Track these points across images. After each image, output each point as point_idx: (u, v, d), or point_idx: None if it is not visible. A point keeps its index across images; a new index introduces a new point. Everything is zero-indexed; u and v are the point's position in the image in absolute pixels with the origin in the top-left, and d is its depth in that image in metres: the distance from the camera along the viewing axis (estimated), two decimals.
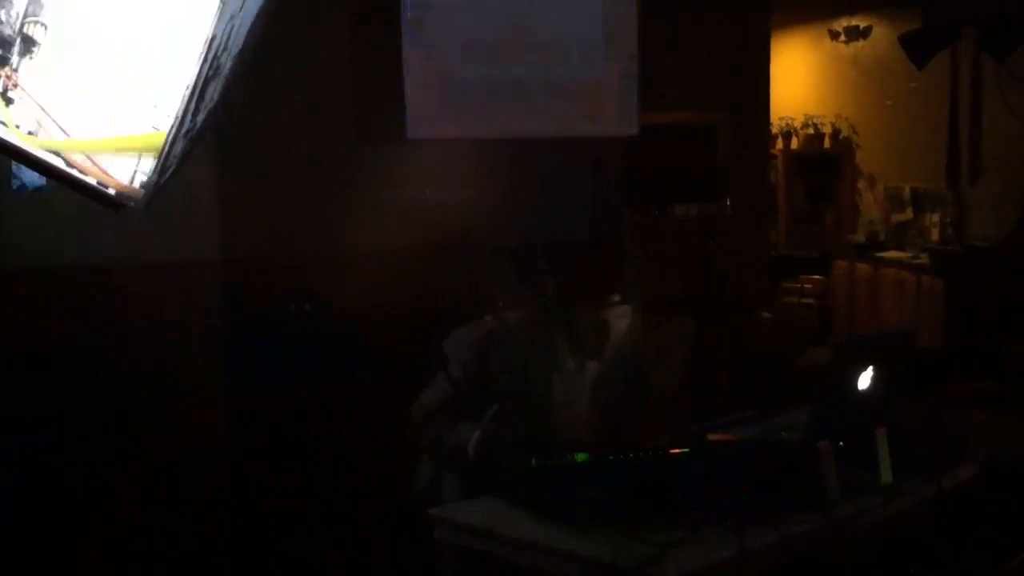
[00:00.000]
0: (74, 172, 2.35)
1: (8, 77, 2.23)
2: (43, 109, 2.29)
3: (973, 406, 3.81)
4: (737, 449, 2.68)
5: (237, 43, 2.71)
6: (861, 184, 8.77)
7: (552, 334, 2.77)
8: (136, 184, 2.41)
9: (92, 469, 3.83)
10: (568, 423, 2.82)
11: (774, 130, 8.29)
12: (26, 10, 2.28)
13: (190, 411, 3.96)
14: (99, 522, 3.84)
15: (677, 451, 2.55)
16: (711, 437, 2.70)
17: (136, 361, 3.87)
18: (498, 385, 2.75)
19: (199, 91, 2.50)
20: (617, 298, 2.70)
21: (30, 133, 2.29)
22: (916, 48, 4.89)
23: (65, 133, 2.34)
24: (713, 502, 2.39)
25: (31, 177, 3.52)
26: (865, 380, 2.52)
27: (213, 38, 2.43)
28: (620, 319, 2.76)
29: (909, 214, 8.16)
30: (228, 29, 2.55)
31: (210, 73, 2.54)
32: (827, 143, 8.94)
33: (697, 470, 2.48)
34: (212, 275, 4.00)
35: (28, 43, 2.29)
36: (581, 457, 2.50)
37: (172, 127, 2.42)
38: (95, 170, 2.39)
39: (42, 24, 2.31)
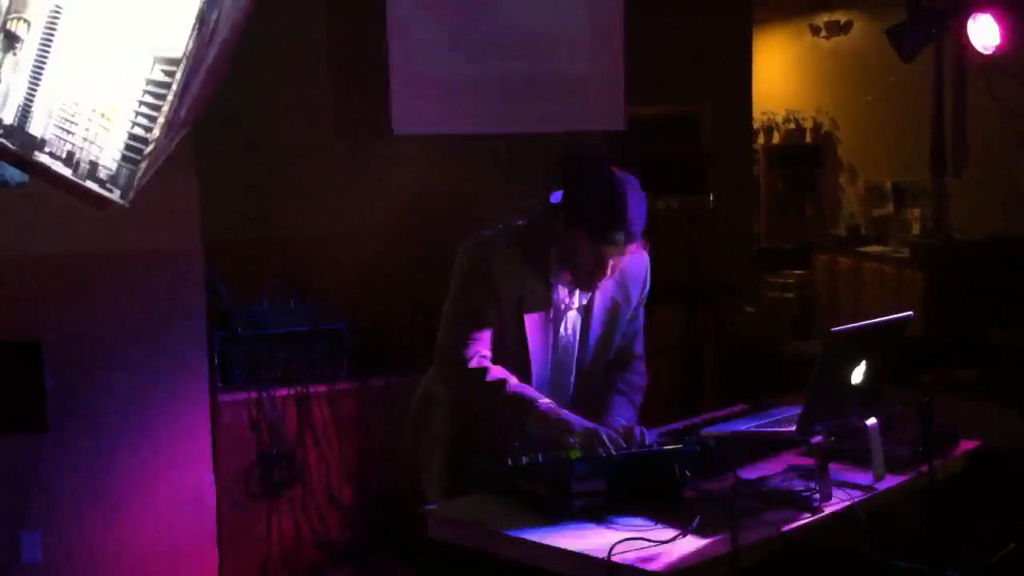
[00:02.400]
0: (57, 168, 2.32)
1: None
2: (27, 104, 2.26)
3: (957, 394, 3.83)
4: (731, 444, 2.68)
5: (218, 36, 2.69)
6: (842, 178, 8.80)
7: (546, 257, 2.71)
8: (120, 176, 2.39)
9: (76, 459, 3.80)
10: (553, 348, 2.79)
11: (755, 125, 8.30)
12: (9, 6, 2.26)
13: (175, 398, 3.95)
14: (84, 512, 3.82)
15: (671, 447, 2.55)
16: (704, 433, 2.69)
17: (121, 350, 3.86)
18: (498, 291, 2.70)
19: (182, 83, 2.48)
20: (622, 236, 2.59)
21: (12, 128, 2.26)
22: (903, 41, 4.89)
23: (48, 128, 2.31)
24: (707, 497, 2.39)
25: (12, 173, 3.49)
26: (858, 372, 2.52)
27: (196, 29, 2.41)
28: (620, 257, 2.66)
29: (890, 208, 8.19)
30: (211, 20, 2.52)
31: (193, 64, 2.51)
32: (808, 137, 8.97)
33: (690, 466, 2.47)
34: (194, 263, 3.98)
35: (11, 39, 2.26)
36: (575, 454, 2.49)
37: (155, 119, 2.39)
38: (78, 167, 2.36)
39: (25, 20, 2.28)
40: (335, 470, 4.37)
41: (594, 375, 2.88)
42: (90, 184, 2.40)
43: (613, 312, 2.84)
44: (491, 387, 2.65)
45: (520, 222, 2.79)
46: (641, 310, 2.93)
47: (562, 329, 2.79)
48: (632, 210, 2.58)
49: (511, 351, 2.74)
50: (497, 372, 2.67)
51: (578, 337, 2.82)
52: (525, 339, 2.73)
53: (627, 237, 2.59)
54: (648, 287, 2.91)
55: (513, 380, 2.67)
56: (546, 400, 2.65)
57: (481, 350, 2.69)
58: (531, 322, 2.72)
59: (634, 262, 2.81)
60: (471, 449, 2.76)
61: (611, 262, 2.63)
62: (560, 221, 2.65)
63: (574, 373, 2.85)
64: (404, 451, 3.01)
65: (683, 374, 5.44)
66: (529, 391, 2.66)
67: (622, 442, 2.57)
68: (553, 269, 2.71)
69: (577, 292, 2.77)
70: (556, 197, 2.69)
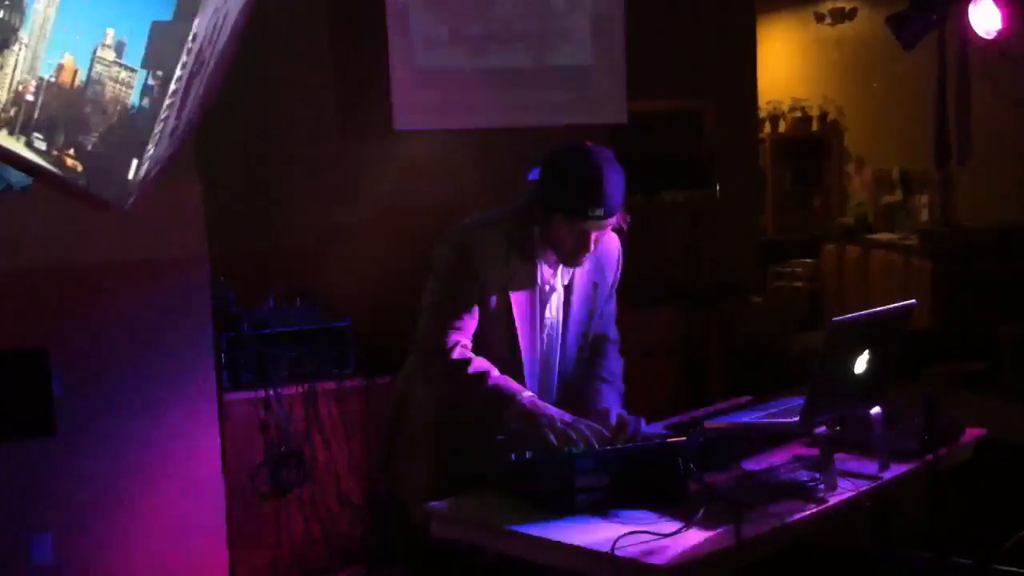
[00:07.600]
0: (60, 172, 2.33)
1: None
2: (29, 107, 2.27)
3: (963, 387, 3.82)
4: (734, 436, 2.68)
5: (221, 39, 2.69)
6: (849, 167, 8.78)
7: (530, 238, 2.73)
8: (121, 182, 2.39)
9: (83, 469, 3.82)
10: (541, 328, 2.80)
11: (761, 114, 8.28)
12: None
13: (182, 399, 3.96)
14: (93, 515, 3.83)
15: (674, 440, 2.55)
16: (708, 425, 2.69)
17: (127, 357, 3.87)
18: (482, 279, 2.71)
19: (184, 88, 2.48)
20: (600, 211, 2.62)
21: (15, 133, 2.27)
22: (903, 29, 4.87)
23: (50, 131, 2.32)
24: (711, 490, 2.39)
25: (17, 178, 3.50)
26: (861, 362, 2.51)
27: (196, 34, 2.41)
28: (601, 230, 2.70)
29: (898, 196, 8.17)
30: (212, 25, 2.53)
31: (195, 69, 2.52)
32: (814, 126, 8.94)
33: (694, 459, 2.47)
34: (199, 268, 3.99)
35: (9, 41, 2.27)
36: (577, 450, 2.49)
37: (157, 125, 2.40)
38: (80, 170, 2.37)
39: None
40: (343, 468, 4.38)
41: (577, 359, 2.91)
42: (90, 187, 2.41)
43: (592, 293, 2.88)
44: (472, 378, 2.66)
45: (500, 208, 2.82)
46: (614, 293, 2.97)
47: (547, 311, 2.82)
48: (609, 185, 2.62)
49: (499, 338, 2.75)
50: (480, 364, 2.68)
51: (561, 318, 2.85)
52: (513, 323, 2.74)
53: (606, 212, 2.63)
54: (621, 267, 2.94)
55: (495, 372, 2.68)
56: (528, 394, 2.66)
57: (463, 340, 2.71)
58: (518, 305, 2.75)
59: (607, 242, 2.86)
60: (457, 450, 2.76)
61: (593, 236, 2.68)
62: (540, 203, 2.68)
63: (559, 356, 2.87)
64: (379, 454, 3.02)
65: (688, 371, 5.44)
66: (511, 384, 2.67)
67: (604, 431, 2.60)
68: (538, 250, 2.75)
69: (559, 273, 2.81)
70: (534, 176, 2.74)
